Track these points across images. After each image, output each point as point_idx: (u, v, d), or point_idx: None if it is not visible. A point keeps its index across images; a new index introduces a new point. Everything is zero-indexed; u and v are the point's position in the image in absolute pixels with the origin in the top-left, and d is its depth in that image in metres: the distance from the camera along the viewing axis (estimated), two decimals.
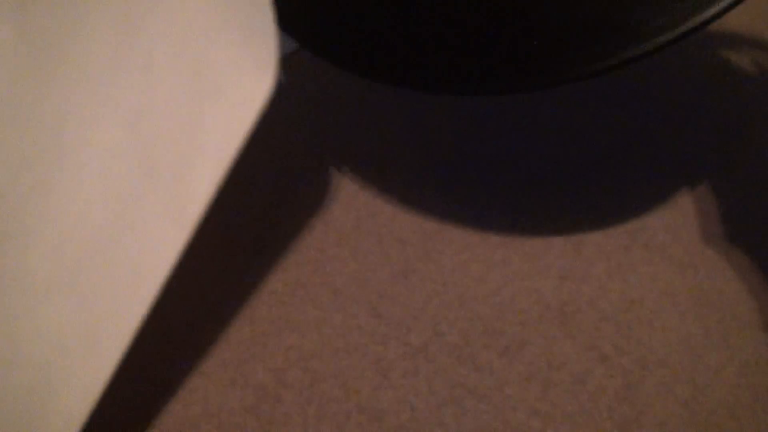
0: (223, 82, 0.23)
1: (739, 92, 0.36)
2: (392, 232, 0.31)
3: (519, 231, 0.32)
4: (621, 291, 0.29)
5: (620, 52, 0.24)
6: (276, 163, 0.35)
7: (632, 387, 0.27)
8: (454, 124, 0.36)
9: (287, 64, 0.40)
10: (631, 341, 0.28)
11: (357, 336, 0.28)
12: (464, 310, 0.29)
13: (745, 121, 0.32)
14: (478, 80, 0.26)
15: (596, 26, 0.24)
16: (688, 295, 0.29)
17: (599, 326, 0.28)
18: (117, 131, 0.25)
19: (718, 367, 0.28)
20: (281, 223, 0.32)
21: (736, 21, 0.41)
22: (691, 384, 0.27)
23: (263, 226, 0.32)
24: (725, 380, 0.27)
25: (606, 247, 0.29)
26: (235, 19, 0.23)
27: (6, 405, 0.24)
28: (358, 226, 0.32)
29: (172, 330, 0.29)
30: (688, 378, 0.27)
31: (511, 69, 0.25)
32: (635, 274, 0.29)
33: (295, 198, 0.33)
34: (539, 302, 0.29)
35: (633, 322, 0.28)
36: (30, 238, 0.26)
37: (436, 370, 0.28)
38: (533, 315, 0.29)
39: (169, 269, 0.24)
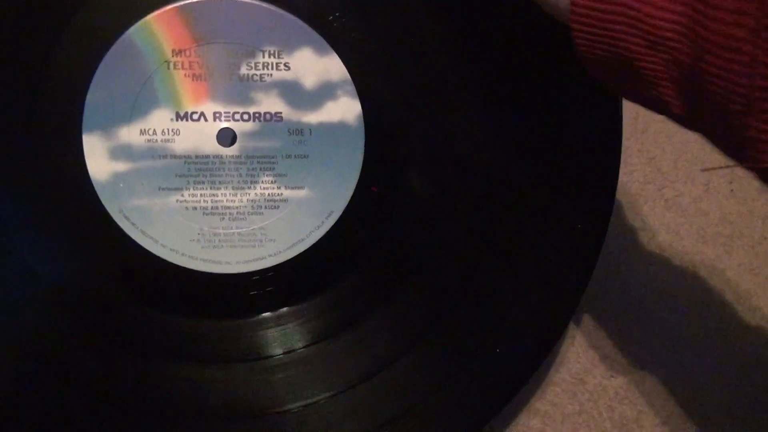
0: None
1: None
2: None
3: None
4: (621, 291, 0.29)
5: None
6: None
7: (632, 387, 0.27)
8: None
9: None
10: (631, 341, 0.28)
11: None
12: None
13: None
14: None
15: None
16: (689, 295, 0.29)
17: (599, 326, 0.28)
18: None
19: (718, 367, 0.28)
20: None
21: None
22: (691, 384, 0.27)
23: None
24: (725, 380, 0.27)
25: (606, 248, 0.29)
26: None
27: None
28: None
29: None
30: (688, 378, 0.27)
31: None
32: (635, 275, 0.29)
33: None
34: None
35: (633, 322, 0.28)
36: None
37: None
38: None
39: None
